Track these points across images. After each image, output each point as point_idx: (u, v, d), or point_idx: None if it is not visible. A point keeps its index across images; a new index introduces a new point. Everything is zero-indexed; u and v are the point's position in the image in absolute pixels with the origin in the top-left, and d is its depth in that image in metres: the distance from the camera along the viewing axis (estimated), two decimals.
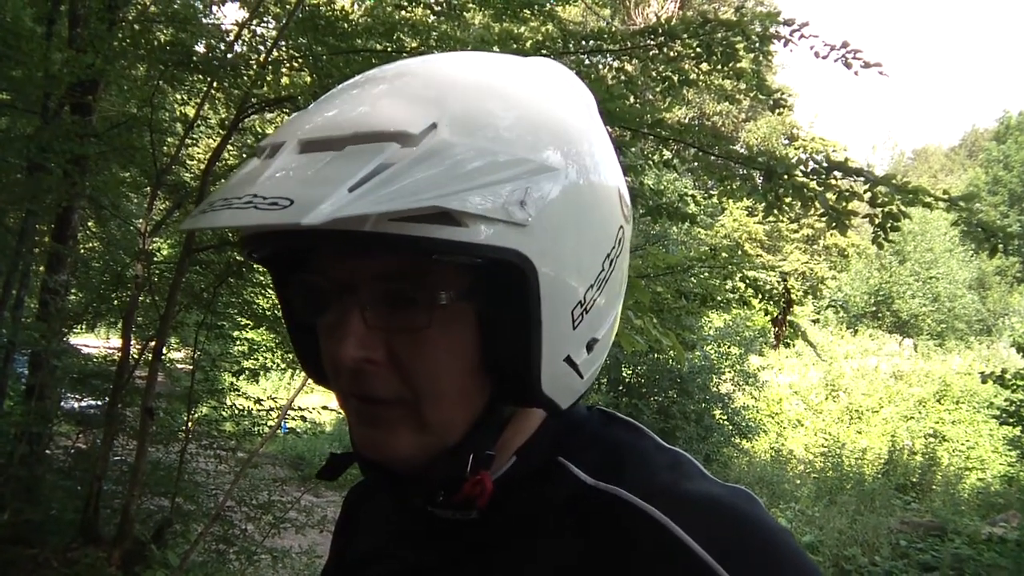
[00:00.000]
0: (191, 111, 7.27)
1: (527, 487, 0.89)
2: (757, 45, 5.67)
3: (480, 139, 0.75)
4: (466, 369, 0.81)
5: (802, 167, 5.56)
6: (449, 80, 0.82)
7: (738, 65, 5.80)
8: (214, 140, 8.00)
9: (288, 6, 5.84)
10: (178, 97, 8.07)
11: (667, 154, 6.81)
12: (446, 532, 0.92)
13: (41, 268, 7.29)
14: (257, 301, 7.52)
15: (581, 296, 0.83)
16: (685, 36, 5.65)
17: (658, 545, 0.78)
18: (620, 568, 0.80)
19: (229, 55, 5.83)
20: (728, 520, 0.80)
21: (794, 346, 25.21)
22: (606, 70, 6.91)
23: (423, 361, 0.79)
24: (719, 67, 5.82)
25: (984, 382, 12.90)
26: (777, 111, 6.93)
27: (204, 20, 7.12)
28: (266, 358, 8.53)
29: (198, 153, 10.13)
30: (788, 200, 5.64)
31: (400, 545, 0.99)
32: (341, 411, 0.89)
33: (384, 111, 0.76)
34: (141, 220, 6.51)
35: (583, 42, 6.17)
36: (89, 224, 8.84)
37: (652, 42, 5.86)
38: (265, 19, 6.39)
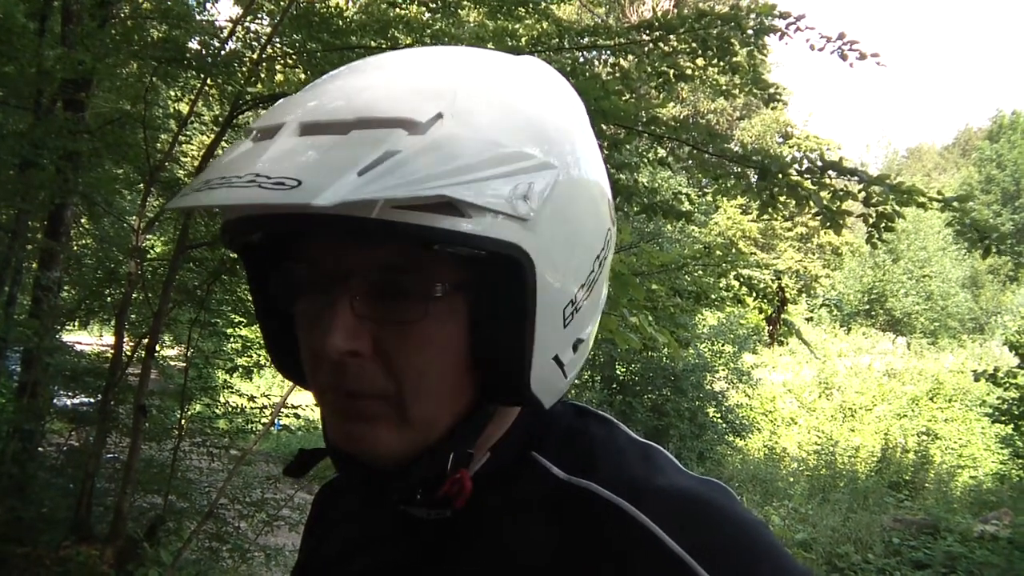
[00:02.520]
0: (185, 108, 7.25)
1: (500, 484, 0.88)
2: (752, 39, 5.67)
3: (485, 131, 0.74)
4: (454, 364, 0.80)
5: (796, 166, 5.56)
6: (453, 72, 0.82)
7: (733, 59, 5.80)
8: (208, 137, 7.98)
9: (282, 3, 5.82)
10: (172, 94, 8.04)
11: (662, 152, 6.80)
12: (419, 531, 0.91)
13: (34, 265, 7.27)
14: (250, 298, 7.48)
15: (573, 295, 0.82)
16: (681, 31, 5.65)
17: (630, 539, 0.78)
18: (593, 563, 0.79)
19: (223, 52, 5.81)
20: (700, 513, 0.79)
21: (788, 344, 25.28)
22: (601, 66, 6.90)
23: (411, 355, 0.78)
24: (715, 61, 5.82)
25: (977, 380, 12.95)
26: (772, 106, 6.93)
27: (198, 17, 7.10)
28: (259, 355, 8.49)
29: (192, 150, 10.10)
30: (783, 199, 5.64)
31: (372, 545, 0.98)
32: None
33: (389, 98, 0.75)
34: (134, 217, 6.49)
35: (578, 38, 6.17)
36: (82, 221, 8.81)
37: (647, 37, 5.85)
38: (259, 16, 6.36)
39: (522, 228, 0.74)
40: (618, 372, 16.24)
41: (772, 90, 6.40)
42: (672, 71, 6.01)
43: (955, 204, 5.37)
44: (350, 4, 8.13)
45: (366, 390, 0.78)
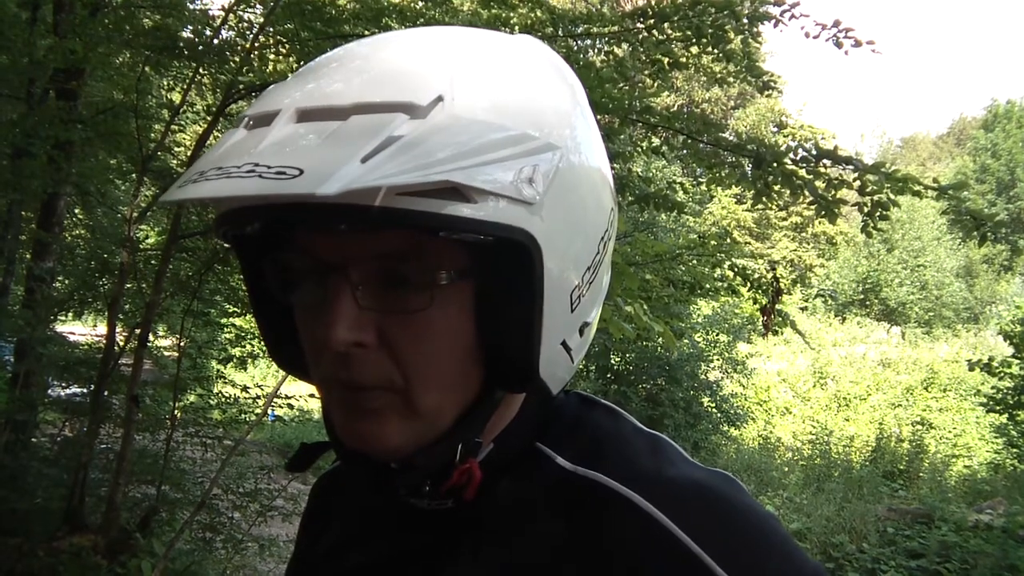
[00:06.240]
0: (177, 97, 7.23)
1: (505, 475, 0.87)
2: (747, 27, 5.65)
3: (487, 114, 0.72)
4: (461, 352, 0.78)
5: (791, 154, 5.54)
6: (450, 53, 0.80)
7: (728, 47, 5.78)
8: (200, 126, 7.96)
9: None
10: (164, 83, 8.02)
11: (656, 141, 6.79)
12: (422, 522, 0.89)
13: (27, 255, 7.26)
14: (244, 288, 7.46)
15: (579, 278, 0.81)
16: (675, 18, 5.62)
17: (640, 531, 0.77)
18: (602, 555, 0.78)
19: (215, 41, 5.79)
20: (711, 504, 0.78)
21: (782, 333, 25.31)
22: (595, 55, 6.88)
23: (417, 344, 0.76)
24: (709, 49, 5.80)
25: (971, 370, 13.00)
26: (766, 94, 6.92)
27: (190, 5, 7.07)
28: (253, 346, 8.49)
29: (185, 139, 10.08)
30: (777, 188, 5.63)
31: (374, 535, 0.96)
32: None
33: (388, 82, 0.73)
34: (127, 207, 6.47)
35: (572, 26, 6.14)
36: (75, 211, 8.79)
37: (641, 25, 5.83)
38: (252, 4, 6.33)
39: (528, 212, 0.72)
40: (612, 362, 16.25)
41: (766, 78, 6.39)
42: (666, 59, 5.99)
43: (950, 191, 5.36)
44: None
45: (370, 381, 0.77)
